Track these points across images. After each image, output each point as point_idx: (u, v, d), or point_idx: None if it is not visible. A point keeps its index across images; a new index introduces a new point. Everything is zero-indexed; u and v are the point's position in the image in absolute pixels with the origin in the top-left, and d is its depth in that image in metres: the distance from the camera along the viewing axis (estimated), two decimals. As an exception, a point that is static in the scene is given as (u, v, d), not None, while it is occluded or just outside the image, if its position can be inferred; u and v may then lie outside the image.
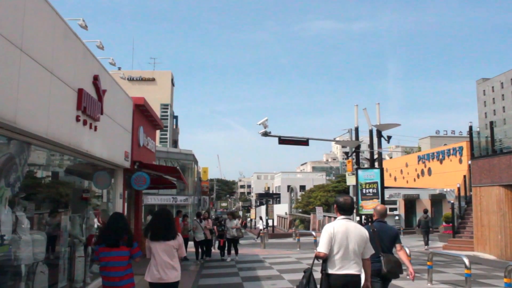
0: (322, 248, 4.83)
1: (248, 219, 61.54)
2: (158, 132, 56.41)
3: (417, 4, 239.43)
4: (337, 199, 5.25)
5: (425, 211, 23.23)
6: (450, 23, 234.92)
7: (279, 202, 63.71)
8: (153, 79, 56.69)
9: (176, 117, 62.96)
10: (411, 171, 34.87)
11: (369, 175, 12.97)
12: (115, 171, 12.26)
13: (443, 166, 41.30)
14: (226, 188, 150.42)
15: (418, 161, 45.45)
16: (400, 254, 6.21)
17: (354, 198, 15.78)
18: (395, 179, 48.08)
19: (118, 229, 5.75)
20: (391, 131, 12.64)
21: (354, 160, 13.58)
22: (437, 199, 33.45)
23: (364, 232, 5.00)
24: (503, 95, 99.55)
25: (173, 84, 59.89)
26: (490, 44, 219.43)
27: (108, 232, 5.77)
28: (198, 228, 15.61)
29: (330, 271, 4.82)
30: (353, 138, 31.29)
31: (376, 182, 12.87)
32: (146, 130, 14.77)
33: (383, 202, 12.79)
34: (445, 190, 33.85)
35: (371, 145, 13.25)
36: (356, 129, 13.62)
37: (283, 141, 29.25)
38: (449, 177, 39.33)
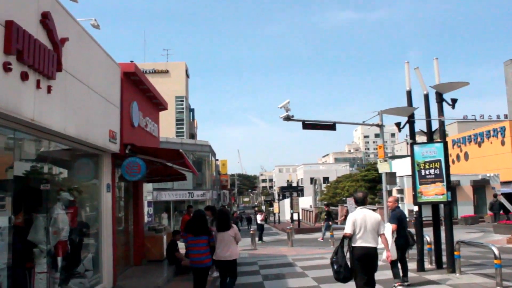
0: (348, 230, 6.90)
1: (271, 213, 58.77)
2: (174, 125, 54.18)
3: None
4: (354, 195, 7.63)
5: (495, 195, 24.43)
6: (470, 7, 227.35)
7: (303, 195, 60.79)
8: (167, 71, 54.18)
9: (192, 110, 60.47)
10: (444, 156, 31.32)
11: (429, 151, 9.93)
12: (100, 157, 9.51)
13: (482, 149, 37.56)
14: (247, 183, 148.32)
15: (453, 145, 41.84)
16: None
17: (387, 187, 16.60)
18: (427, 166, 44.65)
19: (200, 224, 8.00)
20: (455, 93, 9.67)
21: (408, 134, 10.59)
22: (480, 185, 29.95)
23: (377, 216, 7.00)
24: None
25: (187, 76, 57.29)
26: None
27: (193, 225, 8.02)
28: (212, 225, 12.81)
29: (353, 245, 6.86)
30: (380, 121, 28.15)
31: (439, 160, 9.82)
32: (143, 108, 11.98)
33: (449, 184, 9.77)
34: (488, 175, 30.35)
35: (427, 113, 10.22)
36: (409, 93, 10.56)
37: (307, 125, 26.15)
38: (490, 161, 35.61)
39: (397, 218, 8.80)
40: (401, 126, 10.39)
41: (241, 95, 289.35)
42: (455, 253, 9.34)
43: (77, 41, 7.56)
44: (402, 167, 40.52)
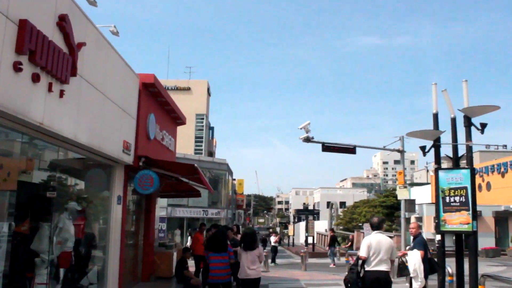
0: (363, 253, 7.08)
1: (286, 235, 57.90)
2: (193, 142, 54.20)
3: (459, 17, 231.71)
4: (370, 220, 7.96)
5: None
6: (494, 34, 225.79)
7: (318, 219, 59.87)
8: (189, 89, 54.41)
9: (212, 128, 60.50)
10: (465, 186, 30.42)
11: (454, 178, 9.42)
12: (113, 168, 9.30)
13: (506, 180, 36.42)
14: (263, 204, 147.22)
15: (475, 174, 40.73)
16: None
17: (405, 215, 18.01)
18: (447, 194, 43.51)
19: (222, 242, 8.24)
20: (486, 118, 9.20)
21: (433, 159, 10.12)
22: (502, 217, 28.96)
23: (390, 241, 7.31)
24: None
25: (209, 94, 57.51)
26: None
27: (215, 243, 8.21)
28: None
29: (367, 268, 7.06)
30: (401, 146, 27.55)
31: (465, 187, 9.28)
32: (160, 121, 11.79)
33: (475, 214, 9.25)
34: (511, 206, 29.34)
35: (454, 137, 9.75)
36: (436, 116, 10.11)
37: (326, 148, 25.76)
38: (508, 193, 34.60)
39: (423, 244, 8.72)
40: (426, 150, 9.93)
41: (262, 116, 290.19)
42: (479, 287, 8.74)
43: (94, 47, 7.41)
44: (421, 195, 39.81)
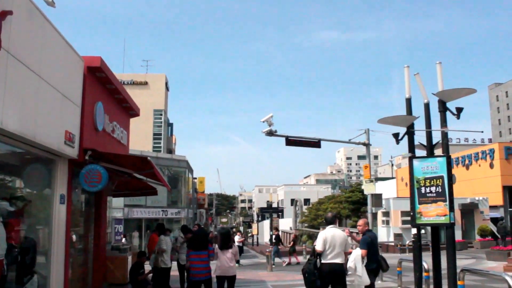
0: (319, 247, 7.67)
1: (250, 234, 57.16)
2: (151, 139, 52.54)
3: (422, 12, 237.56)
4: (325, 216, 8.64)
5: (501, 218, 25.34)
6: (456, 30, 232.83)
7: (283, 217, 59.46)
8: (146, 83, 52.75)
9: (171, 125, 58.99)
10: (430, 179, 30.51)
11: (430, 167, 8.80)
12: (54, 163, 8.17)
13: (470, 172, 36.74)
14: (226, 203, 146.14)
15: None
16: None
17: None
18: (411, 189, 43.71)
19: (202, 240, 8.68)
20: (461, 102, 8.66)
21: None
22: (468, 209, 29.12)
23: (344, 235, 7.96)
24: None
25: (167, 89, 55.99)
26: (499, 50, 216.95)
27: (195, 241, 8.68)
28: (184, 247, 11.47)
29: (323, 260, 7.62)
30: (366, 139, 27.20)
31: (442, 177, 8.68)
32: (110, 110, 10.68)
33: (452, 204, 8.69)
34: (476, 198, 29.56)
35: (427, 123, 9.17)
36: (409, 101, 9.49)
37: (291, 141, 25.06)
38: (478, 184, 34.73)
39: (367, 243, 8.51)
40: (399, 138, 9.29)
41: (222, 112, 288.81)
42: (459, 282, 8.19)
43: (26, 19, 6.34)
44: (387, 190, 39.74)
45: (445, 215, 8.60)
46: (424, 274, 9.54)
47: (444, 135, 8.87)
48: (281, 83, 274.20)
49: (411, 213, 8.94)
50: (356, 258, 8.28)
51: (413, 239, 9.23)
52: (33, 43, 6.58)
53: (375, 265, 8.57)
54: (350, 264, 8.23)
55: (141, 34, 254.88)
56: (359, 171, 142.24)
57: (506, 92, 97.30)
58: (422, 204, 8.80)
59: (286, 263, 21.62)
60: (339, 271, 7.61)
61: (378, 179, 47.01)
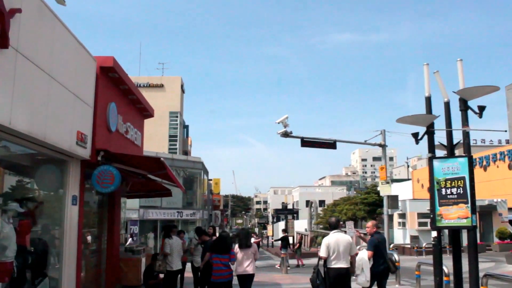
0: (323, 253, 7.82)
1: (265, 236, 56.88)
2: (167, 141, 52.66)
3: (436, 14, 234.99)
4: (328, 221, 9.07)
5: None
6: (470, 31, 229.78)
7: (298, 218, 59.17)
8: (162, 85, 52.97)
9: (186, 127, 59.16)
10: (448, 181, 29.90)
11: (451, 167, 8.51)
12: (66, 164, 8.07)
13: (488, 173, 35.99)
14: (241, 204, 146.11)
15: (455, 169, 40.31)
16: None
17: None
18: (428, 190, 43.04)
19: (225, 244, 8.87)
20: (484, 100, 8.33)
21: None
22: (486, 211, 28.51)
23: (348, 238, 8.05)
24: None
25: (183, 91, 56.15)
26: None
27: (218, 245, 8.90)
28: (198, 249, 11.32)
29: (329, 266, 7.77)
30: (383, 140, 26.78)
31: (463, 178, 8.39)
32: (124, 111, 10.59)
33: (474, 206, 8.38)
34: (494, 200, 28.93)
35: (448, 123, 8.87)
36: (428, 100, 9.17)
37: (306, 143, 24.84)
38: (496, 185, 34.06)
39: (374, 245, 8.64)
40: (419, 138, 9.01)
41: (238, 115, 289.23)
42: (482, 288, 7.87)
43: (36, 17, 6.24)
44: (402, 191, 39.19)
45: (466, 218, 8.30)
46: (444, 278, 9.22)
47: (466, 135, 8.57)
48: (296, 85, 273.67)
49: (431, 215, 8.65)
50: (362, 259, 8.45)
51: (433, 242, 8.92)
52: (43, 42, 6.48)
53: (382, 266, 8.65)
54: (357, 265, 8.35)
55: (157, 37, 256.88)
56: (374, 172, 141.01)
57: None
58: (443, 206, 8.51)
59: (295, 265, 21.42)
60: (344, 275, 7.80)
61: (393, 180, 46.35)
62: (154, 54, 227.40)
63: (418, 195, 42.19)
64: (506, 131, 8.55)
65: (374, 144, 26.76)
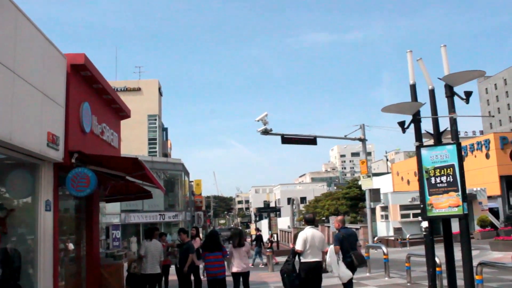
0: (299, 247, 8.14)
1: (248, 236, 56.60)
2: (146, 144, 51.85)
3: (408, 11, 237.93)
4: (305, 217, 9.58)
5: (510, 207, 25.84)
6: (440, 27, 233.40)
7: (280, 216, 59.13)
8: (139, 89, 52.20)
9: (165, 129, 58.44)
10: (426, 172, 30.01)
11: (439, 155, 8.31)
12: (38, 167, 7.59)
13: (466, 163, 35.97)
14: (223, 204, 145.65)
15: (434, 160, 40.61)
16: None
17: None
18: (408, 182, 43.24)
19: (217, 241, 9.33)
20: (468, 86, 8.13)
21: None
22: (467, 200, 28.67)
23: (322, 235, 8.54)
24: (507, 92, 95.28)
25: (161, 94, 55.41)
26: (488, 43, 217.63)
27: (209, 243, 9.23)
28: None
29: (303, 260, 8.14)
30: (362, 135, 26.65)
31: (452, 165, 8.20)
32: (98, 112, 10.10)
33: (465, 194, 8.21)
34: (474, 189, 29.16)
35: (433, 110, 8.68)
36: (413, 87, 8.95)
37: (286, 139, 24.60)
38: (475, 175, 34.23)
39: (338, 239, 8.94)
40: (405, 126, 8.77)
41: (216, 116, 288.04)
42: (477, 277, 7.68)
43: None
44: (382, 185, 39.27)
45: (458, 206, 8.12)
46: (436, 269, 9.02)
47: (453, 122, 8.37)
48: (273, 85, 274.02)
49: (421, 205, 8.46)
50: (331, 254, 8.71)
51: (424, 233, 8.70)
52: (3, 35, 5.99)
53: (348, 260, 8.86)
54: (328, 260, 8.66)
55: (133, 41, 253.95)
56: (353, 168, 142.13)
57: (495, 84, 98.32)
58: (433, 195, 8.32)
59: (265, 263, 21.20)
60: (318, 268, 8.26)
61: (373, 174, 46.67)
62: (130, 58, 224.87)
63: (398, 187, 42.45)
64: (493, 116, 8.35)
65: (354, 139, 26.74)
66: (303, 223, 49.39)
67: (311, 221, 8.69)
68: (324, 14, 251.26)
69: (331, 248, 8.84)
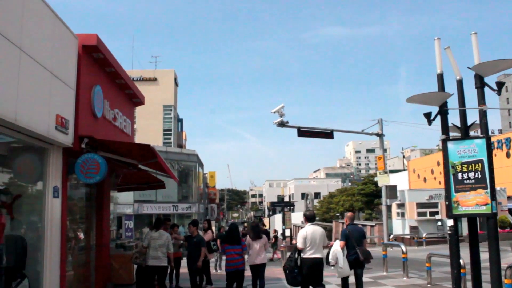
0: (300, 244, 8.33)
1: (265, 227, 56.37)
2: (161, 135, 51.79)
3: (425, 7, 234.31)
4: (305, 213, 9.02)
5: None
6: (460, 22, 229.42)
7: (293, 211, 58.67)
8: (155, 79, 52.03)
9: (181, 120, 58.24)
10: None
11: (467, 150, 7.81)
12: (46, 152, 7.30)
13: (486, 162, 35.46)
14: (237, 198, 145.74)
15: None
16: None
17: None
18: (424, 180, 42.48)
19: (235, 235, 9.55)
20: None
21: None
22: (486, 200, 27.92)
23: (323, 231, 8.60)
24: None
25: (176, 84, 55.22)
26: (505, 40, 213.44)
27: (230, 236, 9.53)
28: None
29: (304, 256, 8.28)
30: (380, 130, 26.02)
31: (481, 161, 7.70)
32: (111, 96, 9.80)
33: (494, 192, 7.70)
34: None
35: (461, 102, 8.17)
36: (440, 77, 8.42)
37: (303, 132, 24.13)
38: (495, 174, 33.30)
39: (344, 235, 9.17)
40: (432, 118, 8.29)
41: (232, 109, 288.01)
42: (506, 281, 7.21)
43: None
44: (399, 182, 38.50)
45: (486, 204, 7.62)
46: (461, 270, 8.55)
47: (483, 114, 7.84)
48: (289, 79, 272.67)
49: (447, 203, 7.97)
50: (336, 249, 8.91)
51: (449, 232, 8.23)
52: (10, 11, 5.67)
53: (353, 256, 9.07)
54: (331, 255, 8.90)
55: (150, 31, 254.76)
56: (368, 164, 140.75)
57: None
58: (459, 192, 7.81)
59: (270, 258, 21.00)
60: (319, 264, 8.37)
61: (390, 171, 45.96)
62: (147, 48, 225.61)
63: (415, 185, 41.70)
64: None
65: (372, 134, 26.14)
66: (317, 218, 49.03)
67: (311, 218, 8.76)
68: (341, 8, 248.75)
69: (337, 242, 9.11)
